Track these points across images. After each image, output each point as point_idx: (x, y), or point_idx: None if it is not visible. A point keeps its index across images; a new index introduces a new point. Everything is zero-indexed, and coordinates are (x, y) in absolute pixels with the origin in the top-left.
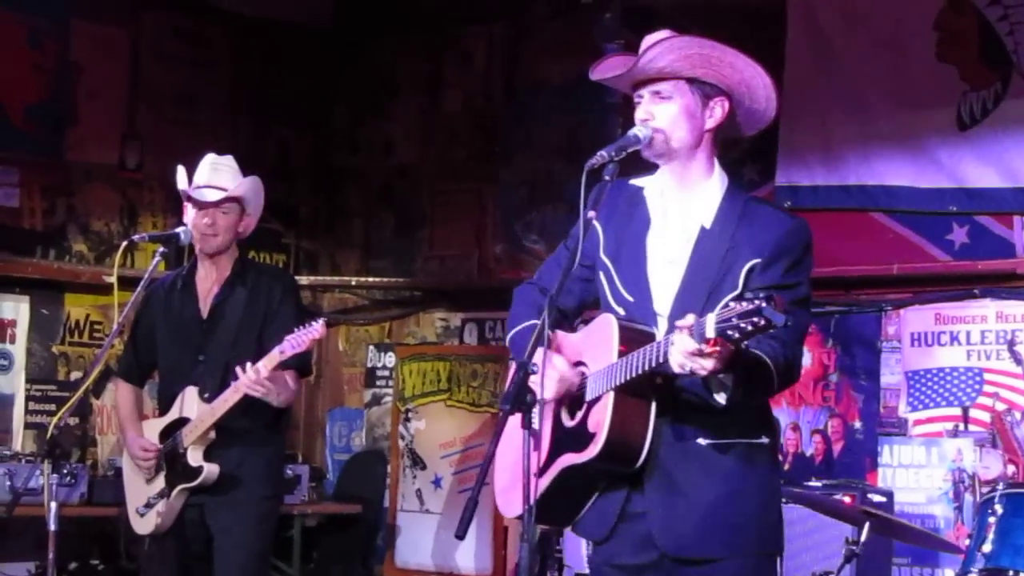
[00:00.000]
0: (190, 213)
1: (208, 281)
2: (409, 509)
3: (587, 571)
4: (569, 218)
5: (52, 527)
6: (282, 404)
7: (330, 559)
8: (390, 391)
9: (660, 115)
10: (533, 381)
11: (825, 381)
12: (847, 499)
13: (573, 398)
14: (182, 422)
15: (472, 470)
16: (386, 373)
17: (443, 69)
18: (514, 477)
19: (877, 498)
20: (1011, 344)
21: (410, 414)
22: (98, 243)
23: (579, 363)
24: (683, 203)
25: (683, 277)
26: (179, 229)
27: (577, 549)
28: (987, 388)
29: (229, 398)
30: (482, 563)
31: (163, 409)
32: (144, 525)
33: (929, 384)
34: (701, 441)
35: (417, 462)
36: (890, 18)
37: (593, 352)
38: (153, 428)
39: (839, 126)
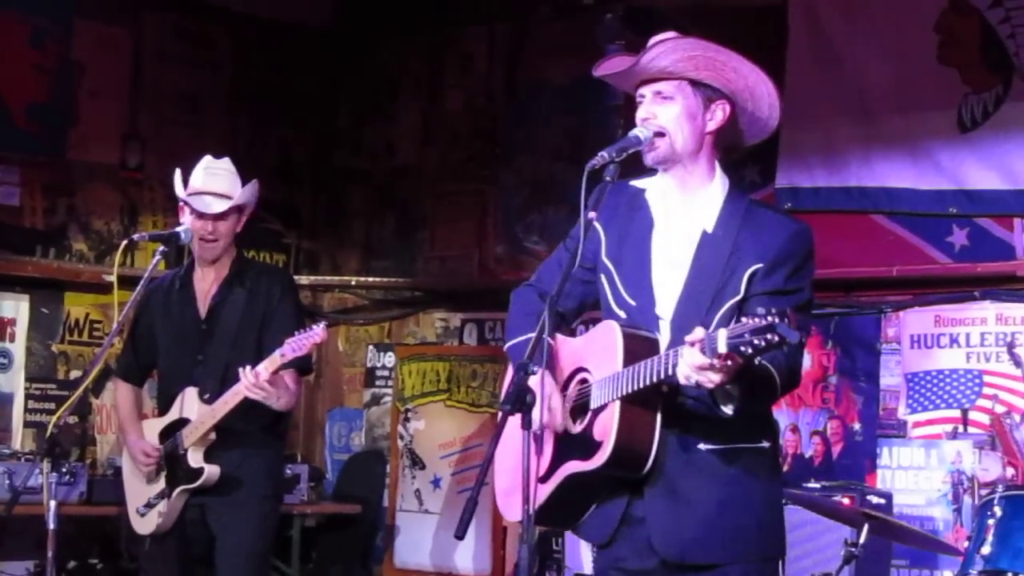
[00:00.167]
0: (187, 215)
1: (206, 281)
2: (408, 509)
3: (586, 572)
4: (570, 219)
5: (51, 526)
6: (282, 408)
7: (329, 559)
8: (390, 391)
9: (662, 115)
10: (533, 382)
11: (825, 383)
12: (846, 501)
13: (576, 404)
14: (182, 423)
15: (471, 470)
16: (386, 373)
17: (444, 70)
18: (515, 480)
19: (876, 500)
20: (1011, 346)
21: (410, 414)
22: (98, 242)
23: (581, 369)
24: (685, 206)
25: (686, 282)
26: (179, 228)
27: (576, 550)
28: (987, 390)
29: (230, 400)
30: (481, 563)
31: (163, 409)
32: (145, 525)
33: (928, 386)
34: (702, 446)
35: (416, 462)
36: (891, 20)
37: (596, 359)
38: (153, 428)
39: (840, 128)
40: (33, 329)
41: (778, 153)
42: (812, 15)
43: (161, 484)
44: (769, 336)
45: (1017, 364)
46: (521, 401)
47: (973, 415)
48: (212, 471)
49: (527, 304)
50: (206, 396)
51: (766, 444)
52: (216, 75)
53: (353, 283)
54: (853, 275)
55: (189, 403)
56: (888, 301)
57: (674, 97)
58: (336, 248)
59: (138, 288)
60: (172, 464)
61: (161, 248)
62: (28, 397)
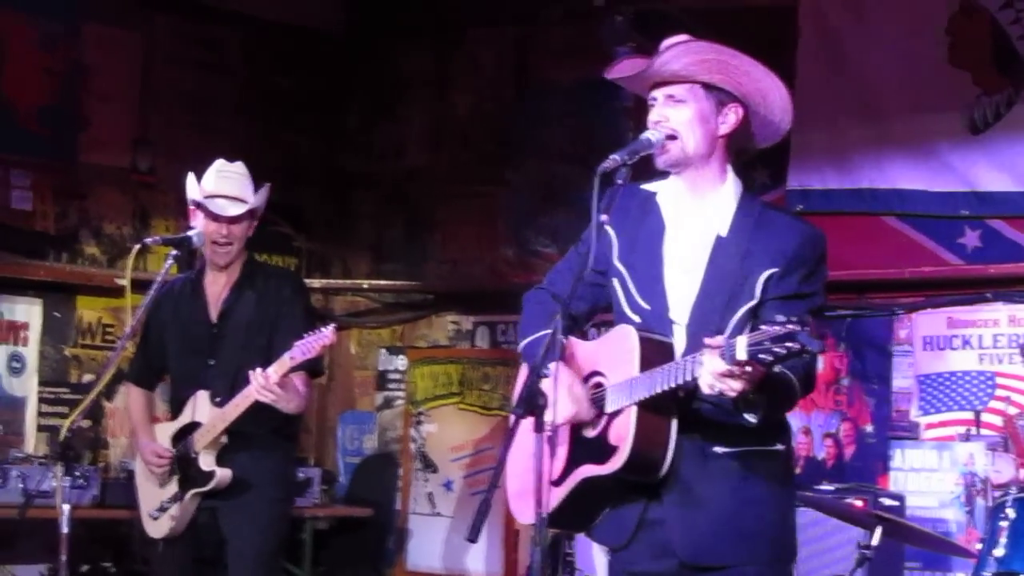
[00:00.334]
0: (199, 219)
1: (217, 285)
2: (420, 512)
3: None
4: (580, 222)
5: (64, 529)
6: (293, 411)
7: (341, 562)
8: (401, 394)
9: (673, 118)
10: (545, 384)
11: (837, 385)
12: (859, 503)
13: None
14: (193, 426)
15: (483, 473)
16: (397, 376)
17: (453, 72)
18: (528, 482)
19: (889, 502)
20: (1023, 348)
21: (421, 417)
22: (110, 246)
23: (595, 372)
24: (697, 210)
25: (700, 286)
26: (191, 232)
27: (588, 552)
28: (999, 392)
29: (240, 403)
30: (493, 566)
31: (174, 413)
32: (157, 529)
33: (941, 388)
34: (717, 449)
35: (428, 465)
36: (902, 22)
37: (611, 363)
38: (165, 432)
39: (851, 130)
40: (46, 333)
41: (789, 155)
42: (822, 17)
43: (173, 487)
44: (790, 344)
45: None
46: (533, 404)
47: (985, 417)
48: (224, 474)
49: (539, 306)
50: (217, 399)
51: (780, 447)
52: (226, 78)
53: (364, 286)
54: (865, 277)
55: (200, 406)
56: (900, 303)
57: (686, 100)
58: (346, 251)
59: (150, 292)
60: (184, 467)
61: (173, 252)
62: (41, 401)
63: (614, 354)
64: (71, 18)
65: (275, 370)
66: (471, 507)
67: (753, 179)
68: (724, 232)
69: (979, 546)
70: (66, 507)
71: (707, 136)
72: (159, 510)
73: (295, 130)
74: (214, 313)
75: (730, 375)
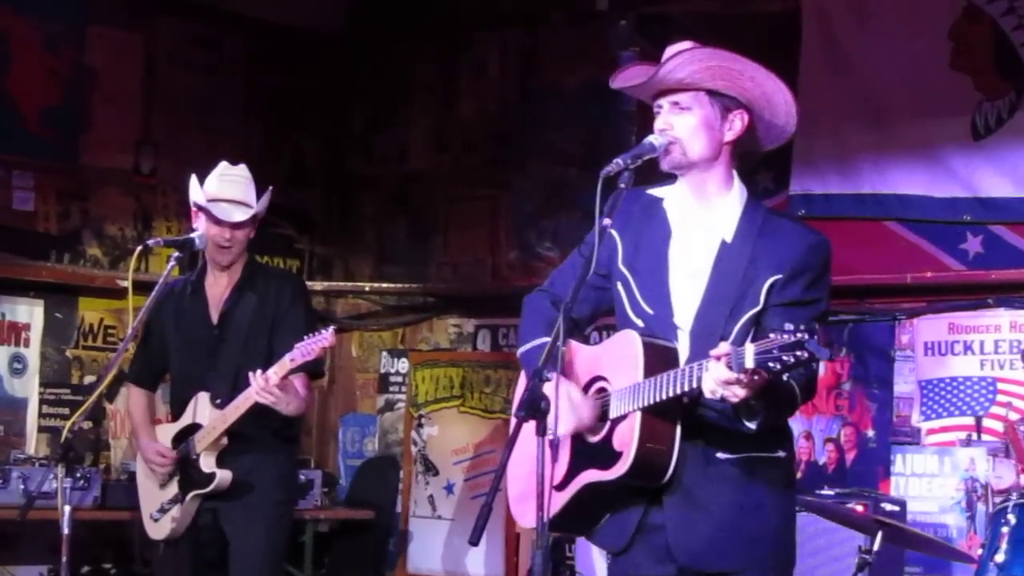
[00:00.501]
0: (202, 222)
1: (218, 287)
2: (421, 515)
3: None
4: (583, 225)
5: (65, 531)
6: (293, 413)
7: (342, 564)
8: (403, 397)
9: (678, 126)
10: (547, 388)
11: (838, 390)
12: (860, 508)
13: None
14: (194, 428)
15: (484, 476)
16: (399, 379)
17: (457, 75)
18: (529, 486)
19: (890, 507)
20: None
21: (423, 420)
22: (112, 247)
23: (598, 377)
24: (702, 216)
25: (704, 292)
26: (194, 234)
27: (588, 556)
28: (1000, 398)
29: (240, 405)
30: (494, 569)
31: (175, 414)
32: (158, 530)
33: (942, 393)
34: (720, 455)
35: (430, 468)
36: (905, 27)
37: (615, 368)
38: (166, 433)
39: (853, 135)
40: (47, 334)
41: (791, 160)
42: (825, 22)
43: (174, 489)
44: (799, 353)
45: None
46: (535, 407)
47: (987, 422)
48: (224, 476)
49: (540, 310)
50: (218, 401)
51: (782, 454)
52: (229, 80)
53: (366, 289)
54: (867, 282)
55: (201, 408)
56: (902, 308)
57: (691, 108)
58: (349, 253)
59: (152, 293)
60: (185, 469)
61: (175, 253)
62: (42, 402)
63: (618, 359)
64: (75, 20)
65: (275, 372)
66: (472, 510)
67: (756, 184)
68: (729, 238)
69: (980, 552)
70: (67, 508)
71: (712, 143)
72: (160, 511)
73: (298, 132)
74: (215, 315)
75: (736, 383)
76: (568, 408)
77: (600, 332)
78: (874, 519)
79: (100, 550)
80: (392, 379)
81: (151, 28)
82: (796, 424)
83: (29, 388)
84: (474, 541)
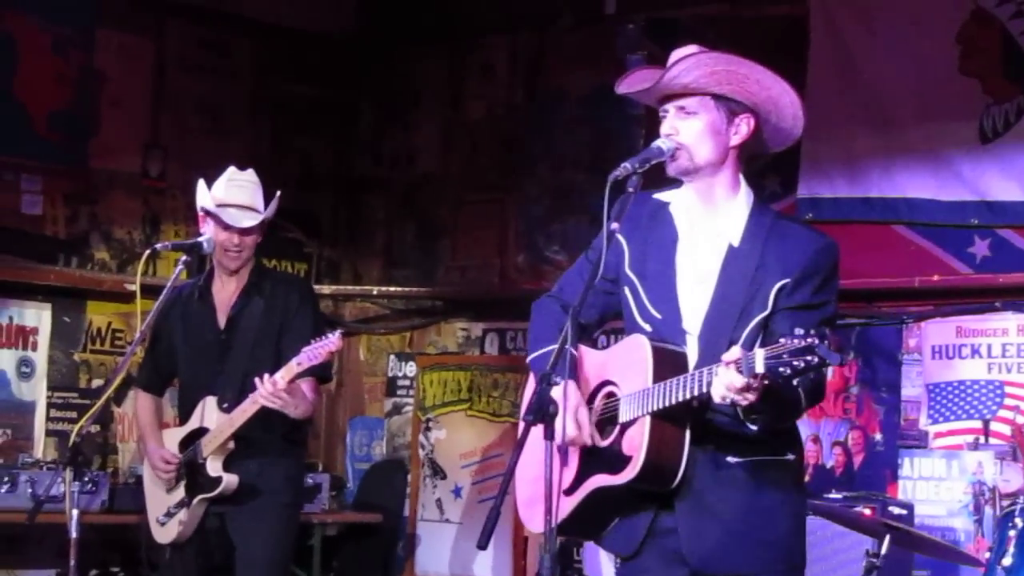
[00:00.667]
0: (209, 226)
1: (225, 291)
2: (429, 519)
3: None
4: (591, 229)
5: (73, 535)
6: (300, 416)
7: (350, 568)
8: (411, 400)
9: (685, 131)
10: (556, 392)
11: (846, 393)
12: (867, 511)
13: (603, 418)
14: (201, 432)
15: (492, 480)
16: (407, 382)
17: (465, 79)
18: (538, 490)
19: (897, 510)
20: None
21: (431, 423)
22: (120, 251)
23: (607, 382)
24: (710, 220)
25: (713, 296)
26: (202, 238)
27: (596, 560)
28: (1008, 401)
29: (247, 409)
30: (502, 573)
31: (183, 418)
32: (165, 534)
33: (950, 397)
34: (730, 459)
35: (437, 472)
36: (913, 30)
37: (624, 373)
38: (173, 437)
39: (861, 138)
40: (55, 338)
41: (799, 164)
42: (833, 25)
43: (181, 493)
44: (809, 358)
45: None
46: (543, 412)
47: (994, 426)
48: (230, 480)
49: (549, 315)
50: (225, 405)
51: (791, 457)
52: (237, 84)
53: (374, 292)
54: (874, 286)
55: (208, 412)
56: (909, 312)
57: (697, 112)
58: (357, 257)
59: (160, 297)
60: (192, 473)
61: (183, 257)
62: (50, 406)
63: (626, 364)
64: (84, 23)
65: (282, 376)
66: (480, 514)
67: (764, 187)
68: (737, 242)
69: (987, 555)
70: (75, 512)
71: (719, 147)
72: (167, 515)
73: (307, 136)
74: (222, 319)
75: (747, 388)
76: (571, 422)
77: (608, 336)
78: (882, 522)
79: (108, 554)
80: (400, 383)
81: (160, 32)
82: (804, 427)
83: (37, 392)
84: (482, 545)
